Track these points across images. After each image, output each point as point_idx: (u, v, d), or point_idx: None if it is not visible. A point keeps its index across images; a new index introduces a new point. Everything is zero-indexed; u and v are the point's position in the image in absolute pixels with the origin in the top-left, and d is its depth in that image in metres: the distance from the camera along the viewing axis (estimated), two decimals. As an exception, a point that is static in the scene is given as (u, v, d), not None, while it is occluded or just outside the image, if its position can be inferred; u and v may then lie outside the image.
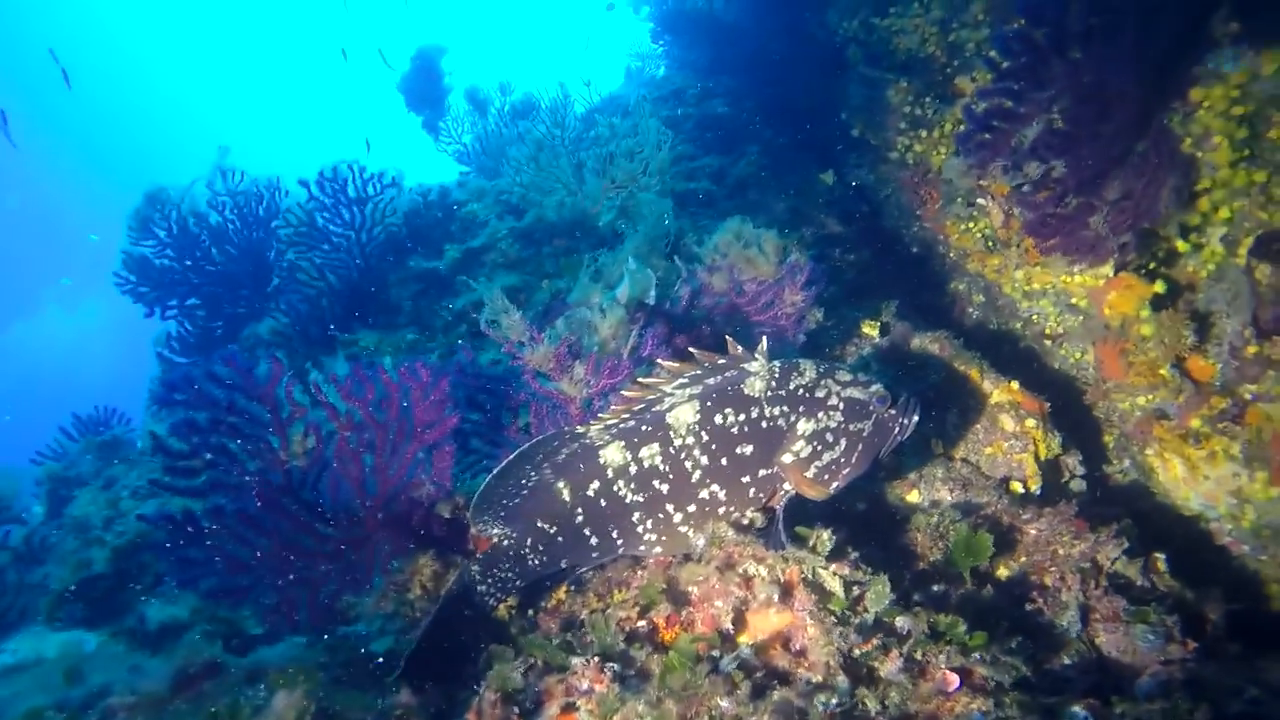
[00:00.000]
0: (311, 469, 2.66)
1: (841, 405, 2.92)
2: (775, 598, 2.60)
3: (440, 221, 5.60)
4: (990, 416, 4.18)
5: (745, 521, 2.90)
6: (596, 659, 2.40)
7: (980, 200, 4.45)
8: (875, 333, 4.77)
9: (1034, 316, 5.21)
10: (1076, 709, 2.21)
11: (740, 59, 7.30)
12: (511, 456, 2.67)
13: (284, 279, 4.84)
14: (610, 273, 3.81)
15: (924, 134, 5.33)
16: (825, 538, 2.74)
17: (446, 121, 7.14)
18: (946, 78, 5.13)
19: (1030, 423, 4.15)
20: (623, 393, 2.84)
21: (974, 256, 5.40)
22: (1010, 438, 4.12)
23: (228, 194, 5.96)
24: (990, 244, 5.18)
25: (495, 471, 2.65)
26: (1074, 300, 4.50)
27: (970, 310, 5.95)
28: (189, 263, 5.82)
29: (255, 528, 2.53)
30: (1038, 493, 4.08)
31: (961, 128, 5.09)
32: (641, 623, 2.74)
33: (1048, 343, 5.26)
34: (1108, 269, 3.78)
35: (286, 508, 2.61)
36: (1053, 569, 3.30)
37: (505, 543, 2.79)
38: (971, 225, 5.23)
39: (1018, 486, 4.01)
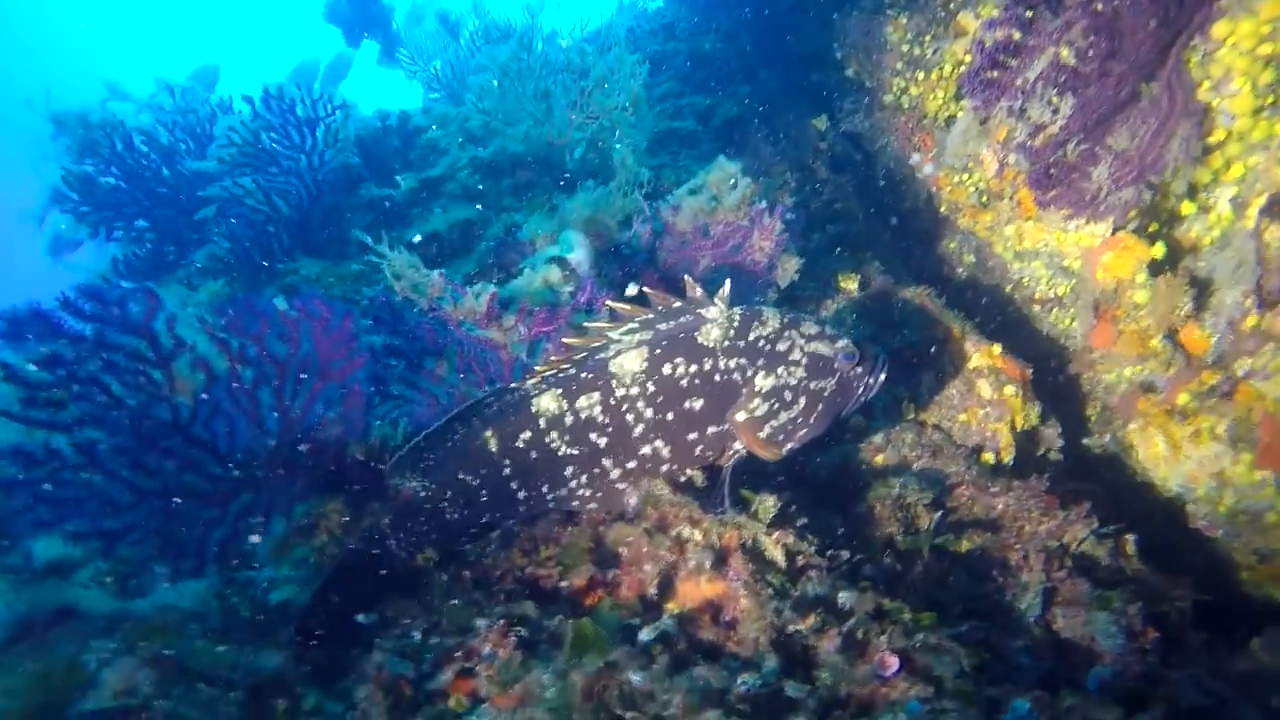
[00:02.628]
0: (202, 406, 2.40)
1: (804, 360, 2.66)
2: (708, 565, 2.39)
3: (399, 149, 5.25)
4: (967, 381, 3.93)
5: (683, 480, 2.67)
6: (503, 622, 2.18)
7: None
8: (854, 287, 4.49)
9: (1024, 279, 4.93)
10: (1021, 702, 2.01)
11: (736, -8, 6.86)
12: (439, 423, 2.42)
13: (225, 202, 4.52)
14: (567, 212, 3.51)
15: (921, 75, 4.97)
16: (770, 503, 2.51)
17: (409, 47, 6.65)
18: (949, 13, 4.74)
19: (1009, 390, 3.90)
20: (563, 340, 2.57)
21: (966, 211, 5.09)
22: (986, 405, 3.88)
23: (177, 112, 5.58)
24: (984, 199, 4.86)
25: (416, 441, 2.41)
26: (1066, 262, 4.22)
27: (959, 270, 5.66)
28: (137, 183, 5.48)
29: (134, 465, 2.29)
30: (1010, 464, 3.86)
31: (962, 69, 4.75)
32: (564, 584, 2.53)
33: (1037, 308, 5.00)
34: (1105, 227, 3.49)
35: (172, 444, 2.37)
36: (1017, 546, 3.09)
37: (422, 494, 2.55)
38: (965, 177, 4.89)
39: (989, 457, 3.78)
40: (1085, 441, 4.38)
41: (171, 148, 5.65)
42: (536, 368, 2.57)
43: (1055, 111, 3.01)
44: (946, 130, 5.15)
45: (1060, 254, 4.19)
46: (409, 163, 5.01)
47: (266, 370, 2.41)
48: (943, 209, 5.32)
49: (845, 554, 2.74)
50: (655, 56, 6.94)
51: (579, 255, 3.28)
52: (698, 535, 2.43)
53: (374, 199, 4.72)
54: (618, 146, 3.77)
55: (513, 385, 2.52)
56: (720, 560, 2.41)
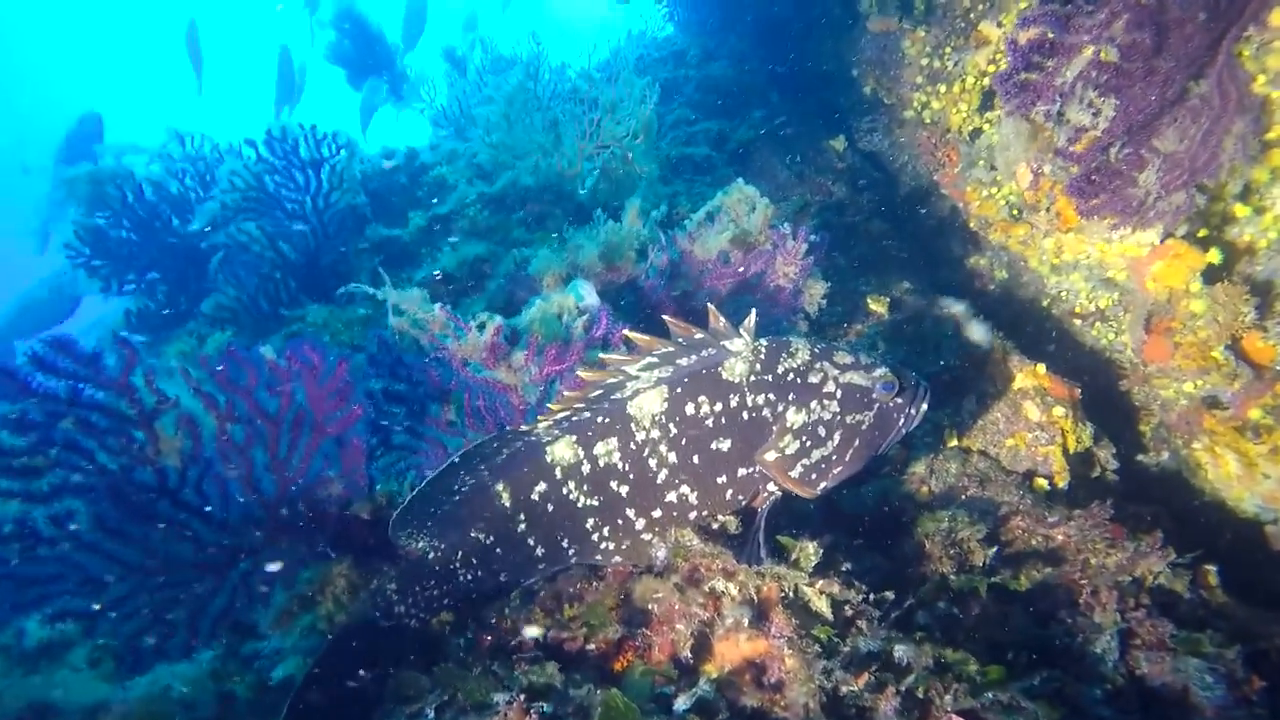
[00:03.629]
0: (190, 467, 2.24)
1: (839, 393, 2.44)
2: (746, 621, 2.16)
3: (405, 187, 5.15)
4: (1013, 404, 3.68)
5: (715, 527, 2.45)
6: (523, 697, 1.97)
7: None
8: (884, 309, 4.28)
9: (1063, 293, 4.71)
10: (1117, 773, 1.75)
11: (746, 15, 6.76)
12: (441, 469, 2.24)
13: (230, 249, 4.43)
14: (579, 249, 3.34)
15: (942, 89, 4.80)
16: (810, 550, 2.28)
17: (414, 84, 6.59)
18: (970, 24, 4.60)
19: (1058, 411, 3.65)
20: (578, 374, 2.38)
21: (997, 226, 4.88)
22: (1035, 428, 3.63)
23: (187, 160, 5.54)
24: (1015, 212, 4.66)
25: (418, 491, 2.22)
26: (1110, 273, 3.98)
27: (991, 287, 5.44)
28: (148, 234, 5.42)
29: (116, 536, 2.12)
30: (1065, 489, 3.60)
31: (985, 80, 4.58)
32: (590, 646, 2.31)
33: (1077, 322, 4.76)
34: (1154, 235, 3.26)
35: (159, 512, 2.20)
36: (1084, 582, 2.82)
37: (431, 555, 2.36)
38: (994, 191, 4.71)
39: (1042, 483, 3.52)
40: (1141, 459, 4.10)
41: (182, 197, 5.60)
42: (550, 406, 2.38)
43: (1096, 114, 2.81)
44: (971, 144, 4.97)
45: (1103, 265, 3.96)
46: (416, 200, 4.91)
47: (258, 427, 2.25)
48: (971, 224, 5.12)
49: (895, 598, 2.51)
50: (666, 84, 6.84)
51: (591, 300, 3.11)
52: (733, 589, 2.21)
53: (382, 239, 4.61)
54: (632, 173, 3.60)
55: (523, 429, 2.33)
56: (760, 615, 2.19)
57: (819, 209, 5.31)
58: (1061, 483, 3.57)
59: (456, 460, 2.25)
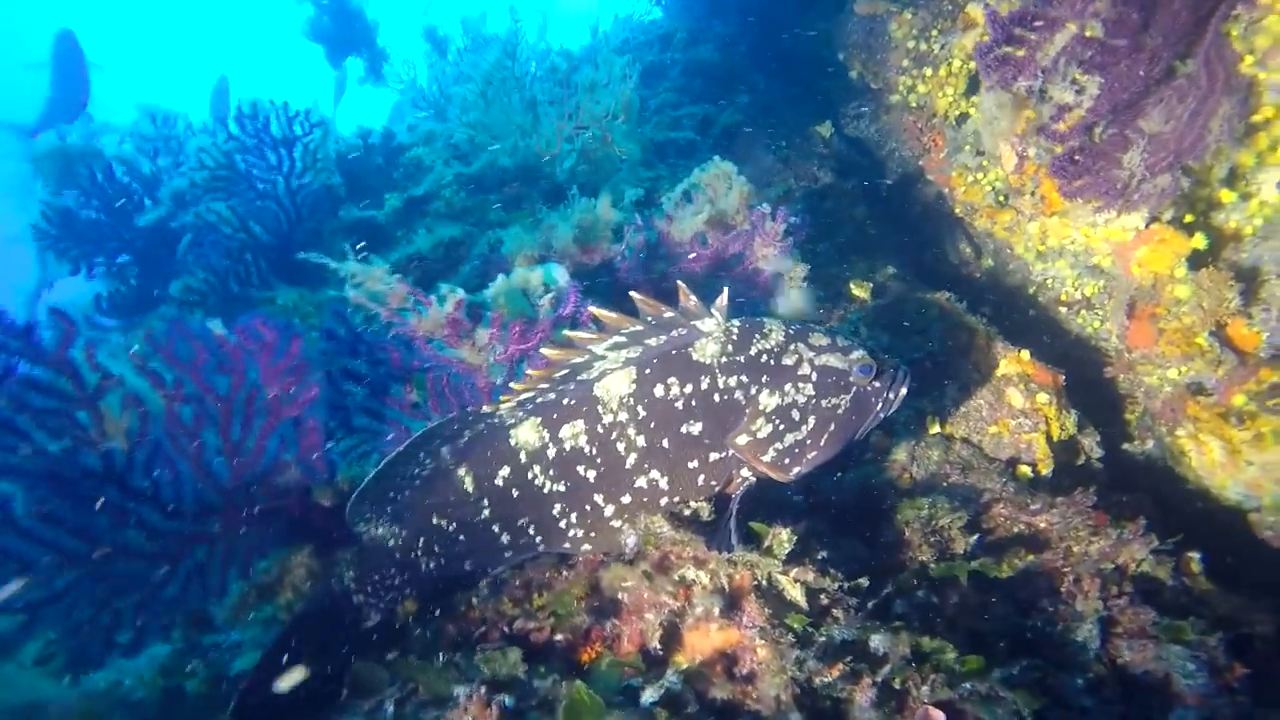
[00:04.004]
0: (139, 450, 2.14)
1: (814, 375, 2.37)
2: (717, 610, 2.09)
3: (382, 168, 5.04)
4: (996, 390, 3.63)
5: (687, 514, 2.37)
6: (484, 689, 1.89)
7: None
8: (867, 295, 4.21)
9: (1048, 280, 4.66)
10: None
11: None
12: (399, 450, 2.15)
13: (199, 229, 4.31)
14: (554, 229, 3.25)
15: (929, 72, 4.73)
16: (785, 537, 2.21)
17: (394, 64, 6.45)
18: (957, 6, 4.52)
19: (1042, 398, 3.60)
20: (543, 351, 2.29)
21: (982, 212, 4.82)
22: (1019, 415, 3.58)
23: (160, 139, 5.40)
24: (1001, 198, 4.60)
25: (374, 473, 2.14)
26: (1096, 259, 3.93)
27: (977, 274, 5.38)
28: (119, 215, 5.28)
29: (55, 523, 2.03)
30: (1048, 476, 3.55)
31: (972, 64, 4.50)
32: (557, 637, 2.23)
33: (1063, 309, 4.71)
34: (1138, 219, 3.20)
35: (107, 497, 2.10)
36: (1066, 570, 2.77)
37: (391, 543, 2.27)
38: (980, 176, 4.64)
39: (1025, 470, 3.47)
40: (1125, 448, 4.06)
41: (154, 177, 5.46)
42: (514, 386, 2.29)
43: (1080, 91, 2.74)
44: (957, 129, 4.90)
45: (1089, 251, 3.90)
46: (393, 182, 4.80)
47: (209, 407, 2.16)
48: (957, 210, 5.05)
49: (872, 586, 2.45)
50: (652, 67, 6.75)
51: (564, 281, 3.02)
52: (704, 577, 2.14)
53: (356, 221, 4.50)
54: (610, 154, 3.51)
55: (485, 410, 2.24)
56: (732, 604, 2.12)
57: (804, 194, 5.24)
58: (1045, 470, 3.52)
59: (415, 441, 2.17)
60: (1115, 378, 4.10)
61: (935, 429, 3.54)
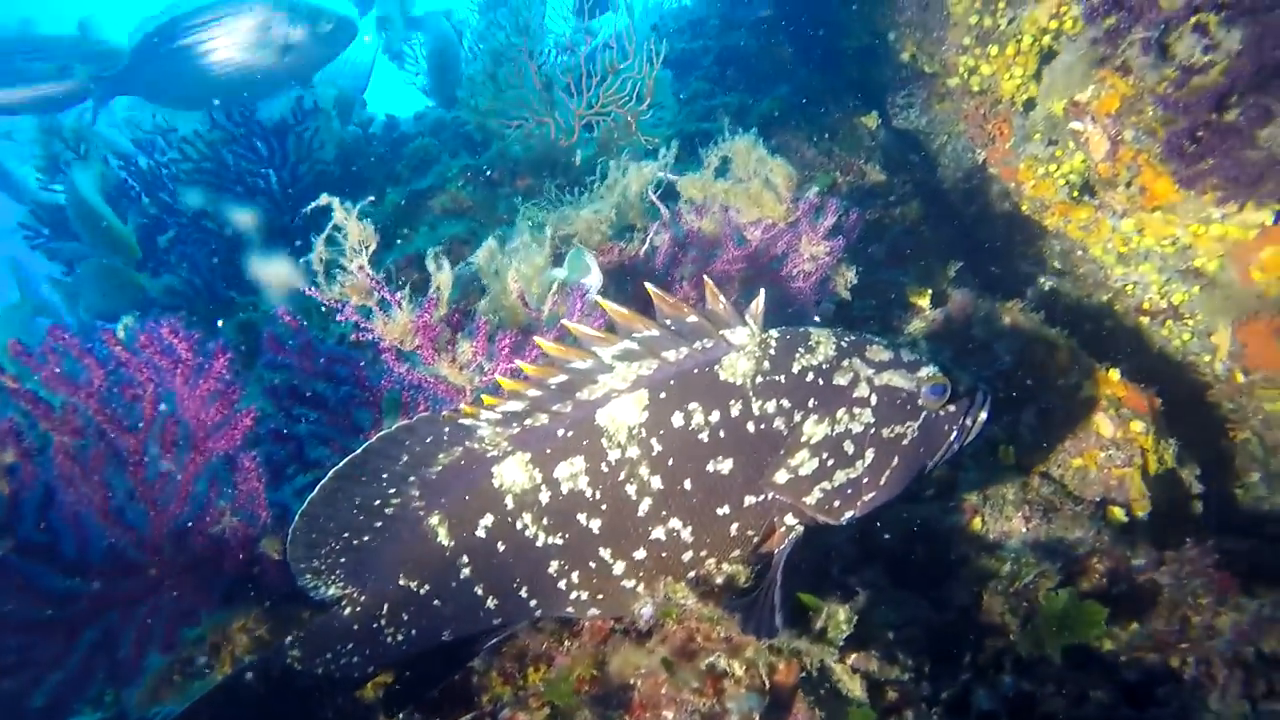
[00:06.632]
0: (27, 494, 1.72)
1: (873, 399, 1.89)
2: (758, 718, 1.61)
3: (384, 159, 4.65)
4: (1081, 416, 3.11)
5: (720, 580, 1.90)
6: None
7: (1076, 125, 3.32)
8: (926, 303, 3.71)
9: (1128, 286, 4.11)
10: None
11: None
12: (342, 464, 1.72)
13: (182, 226, 3.94)
14: (564, 220, 2.80)
15: (994, 51, 4.20)
16: (842, 616, 1.72)
17: (413, 45, 6.05)
18: (1027, -27, 3.98)
19: (1137, 426, 3.07)
20: (538, 342, 1.83)
21: (1054, 209, 4.28)
22: (1109, 445, 3.05)
23: (158, 132, 5.05)
24: (1076, 192, 4.05)
25: (318, 491, 1.70)
26: (1196, 262, 3.38)
27: (1042, 280, 4.83)
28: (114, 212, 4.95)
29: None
30: (1145, 519, 3.02)
31: (1046, 40, 3.97)
32: (552, 736, 1.77)
33: (1144, 320, 4.16)
34: (1266, 214, 2.66)
35: (-18, 552, 1.70)
36: (1184, 647, 2.25)
37: (348, 610, 1.84)
38: (1053, 168, 4.10)
39: (1118, 513, 2.94)
40: (1235, 489, 3.50)
41: (153, 173, 5.10)
42: (500, 382, 1.83)
43: (1213, 47, 2.20)
44: (1026, 115, 4.37)
45: (1188, 252, 3.35)
46: (395, 175, 4.41)
47: (115, 442, 1.74)
48: (1024, 208, 4.52)
49: (945, 667, 1.96)
50: (683, 56, 6.31)
51: (593, 278, 2.57)
52: (739, 668, 1.67)
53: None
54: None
55: (462, 416, 1.79)
56: (777, 706, 1.64)
57: (849, 191, 4.74)
58: (1140, 512, 2.99)
59: (373, 449, 1.74)
60: (1219, 402, 3.54)
61: (1010, 461, 3.03)
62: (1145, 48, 2.35)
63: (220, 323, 3.44)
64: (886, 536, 2.72)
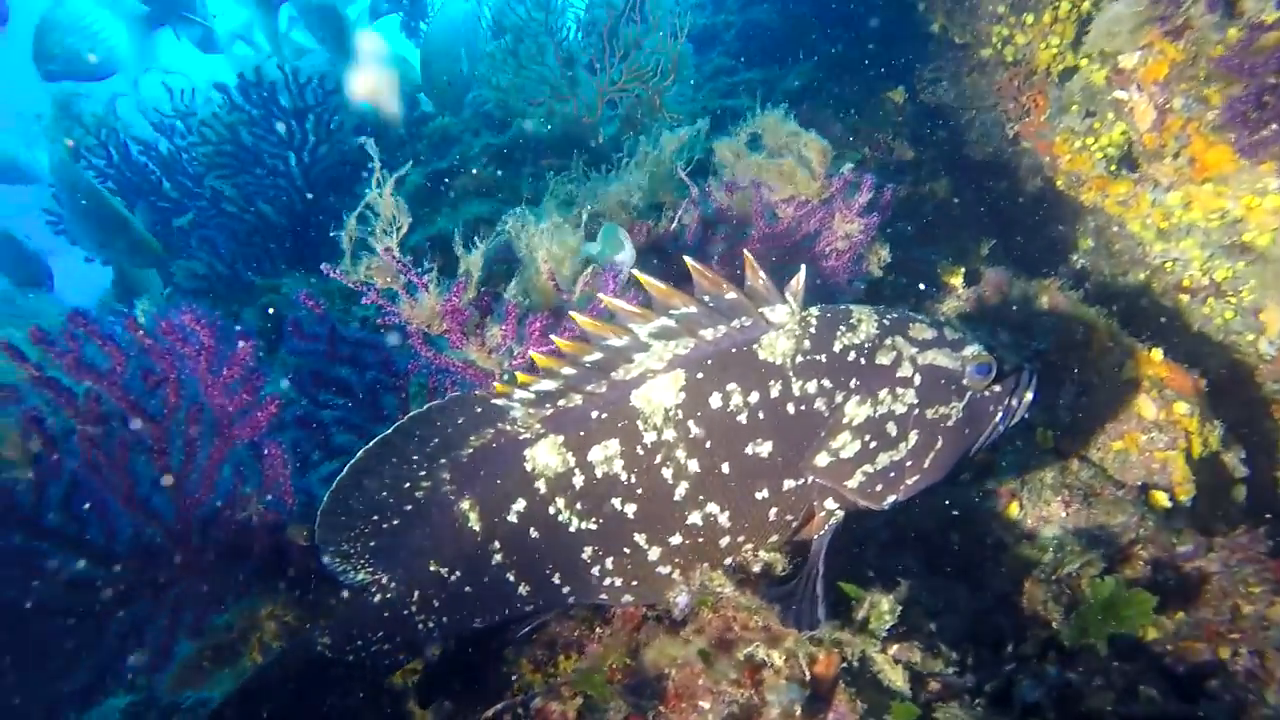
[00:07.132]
0: (50, 482, 1.70)
1: (917, 378, 1.83)
2: (799, 710, 1.56)
3: (404, 140, 4.59)
4: (1123, 397, 3.01)
5: (757, 568, 1.85)
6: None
7: (1120, 94, 3.19)
8: (959, 281, 3.61)
9: (1169, 264, 3.99)
10: None
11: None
12: (373, 443, 1.68)
13: (202, 210, 3.91)
14: (592, 197, 2.74)
15: (1029, 19, 4.06)
16: (885, 608, 1.67)
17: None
18: (1066, -62, 3.84)
19: (1180, 408, 2.97)
20: (573, 315, 1.79)
21: (1091, 183, 4.16)
22: (1151, 428, 2.96)
23: (178, 116, 5.02)
24: (1115, 165, 3.93)
25: (347, 472, 1.67)
26: (1246, 235, 3.26)
27: (1074, 257, 4.72)
28: (134, 197, 4.93)
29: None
30: (1188, 505, 2.93)
31: (1085, 5, 3.83)
32: (586, 726, 1.74)
33: (1184, 298, 4.04)
34: (1324, 185, 2.54)
35: (9, 542, 1.68)
36: (1234, 636, 2.18)
37: (378, 596, 1.81)
38: (1090, 141, 3.97)
39: (1161, 498, 2.86)
40: (1272, 469, 3.40)
41: (173, 157, 5.08)
42: (534, 357, 1.79)
43: None
44: (1062, 86, 4.23)
45: (1241, 225, 3.24)
46: (416, 156, 4.35)
47: (137, 430, 1.71)
48: (1059, 182, 4.39)
49: (987, 656, 1.90)
50: (705, 31, 6.19)
51: (625, 255, 2.51)
52: (778, 659, 1.62)
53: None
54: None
55: (495, 395, 1.75)
56: (816, 699, 1.59)
57: (878, 167, 4.62)
58: (1184, 497, 2.90)
59: (404, 429, 1.71)
60: (1262, 381, 3.43)
61: (1048, 445, 2.95)
62: (1212, 4, 2.22)
63: (240, 309, 3.42)
64: (921, 521, 2.66)
